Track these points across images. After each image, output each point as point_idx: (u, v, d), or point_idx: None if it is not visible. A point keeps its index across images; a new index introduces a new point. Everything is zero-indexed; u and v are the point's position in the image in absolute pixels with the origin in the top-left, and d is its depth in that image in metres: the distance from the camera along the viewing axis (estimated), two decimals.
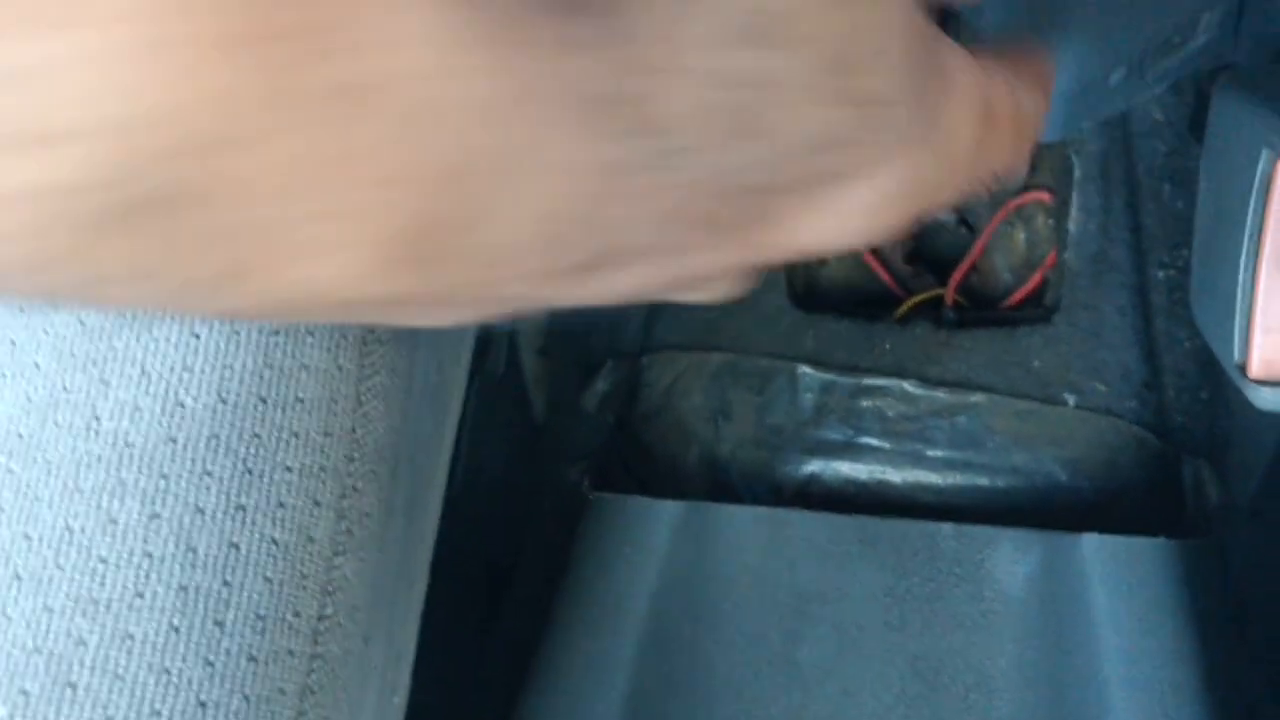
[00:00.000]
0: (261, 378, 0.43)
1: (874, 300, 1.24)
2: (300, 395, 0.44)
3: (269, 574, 0.43)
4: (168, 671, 0.40)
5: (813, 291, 1.25)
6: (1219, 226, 0.80)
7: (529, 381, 1.24)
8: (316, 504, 0.45)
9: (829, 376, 1.14)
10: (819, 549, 1.03)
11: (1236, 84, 0.79)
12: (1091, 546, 0.98)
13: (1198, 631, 0.96)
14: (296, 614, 0.44)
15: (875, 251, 1.25)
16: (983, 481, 1.12)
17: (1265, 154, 0.71)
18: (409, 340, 0.57)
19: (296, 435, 0.44)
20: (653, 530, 1.02)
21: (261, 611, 0.42)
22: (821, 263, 1.26)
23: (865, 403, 1.14)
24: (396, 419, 0.53)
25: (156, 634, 0.40)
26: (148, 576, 0.41)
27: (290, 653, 0.43)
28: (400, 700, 0.60)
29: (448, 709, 1.04)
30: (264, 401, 0.43)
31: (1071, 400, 1.12)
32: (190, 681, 0.40)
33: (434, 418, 0.72)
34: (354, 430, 0.48)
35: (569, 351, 1.24)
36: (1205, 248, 0.83)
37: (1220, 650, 0.97)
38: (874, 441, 1.13)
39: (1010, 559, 1.01)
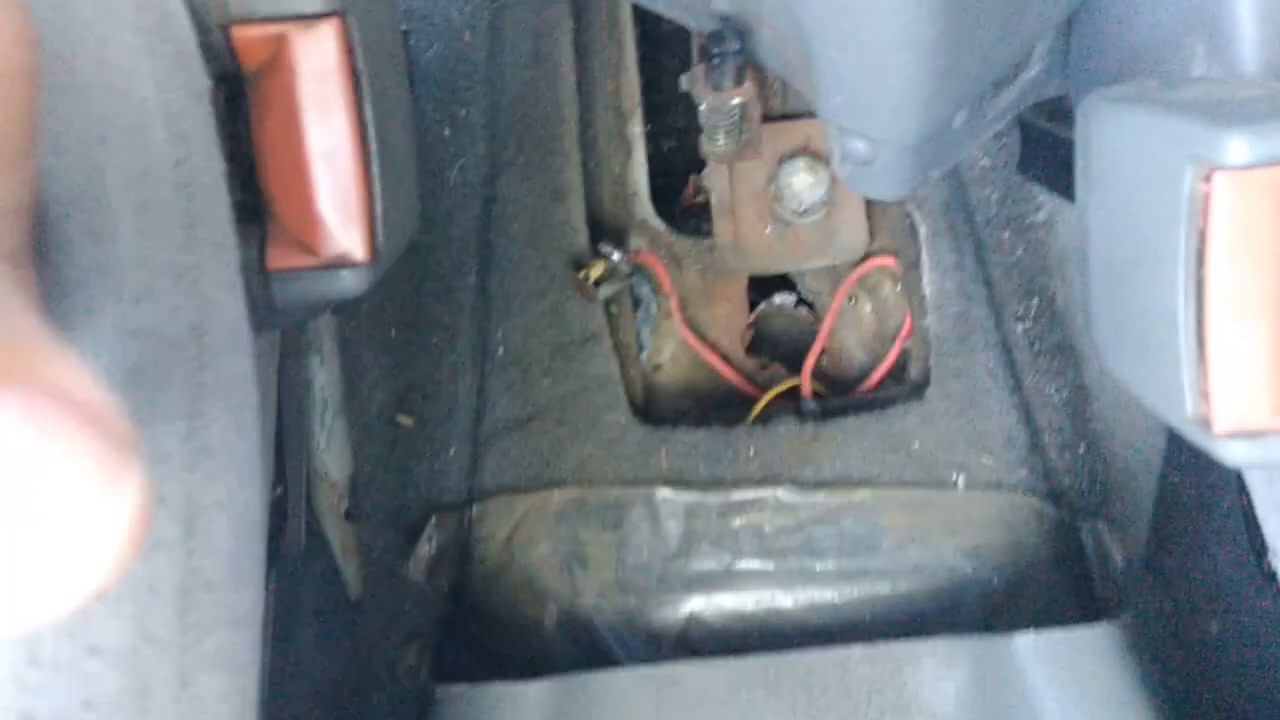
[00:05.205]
0: None
1: (724, 402, 1.10)
2: None
3: None
4: None
5: (652, 404, 1.11)
6: (1130, 265, 0.69)
7: (336, 552, 1.05)
8: None
9: (692, 497, 1.00)
10: (716, 703, 0.87)
11: (1115, 100, 0.69)
12: (1027, 647, 0.85)
13: (1154, 716, 0.84)
14: None
15: (714, 347, 1.12)
16: (883, 589, 0.98)
17: (1189, 169, 0.60)
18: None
19: None
20: None
21: None
22: (655, 366, 1.12)
23: (738, 521, 0.99)
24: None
25: None
26: None
27: None
28: None
29: None
30: None
31: (960, 480, 1.00)
32: None
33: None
34: None
35: (381, 511, 1.06)
36: (1111, 292, 0.72)
37: None
38: (755, 564, 0.99)
39: (935, 675, 0.88)
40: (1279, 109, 0.57)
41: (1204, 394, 0.60)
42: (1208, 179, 0.57)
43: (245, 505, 0.47)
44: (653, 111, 1.18)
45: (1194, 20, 0.74)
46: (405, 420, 1.08)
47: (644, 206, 1.14)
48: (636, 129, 1.14)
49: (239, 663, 0.44)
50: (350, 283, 0.65)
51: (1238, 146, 0.55)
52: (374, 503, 1.07)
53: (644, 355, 1.12)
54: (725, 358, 1.11)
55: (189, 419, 0.45)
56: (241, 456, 0.48)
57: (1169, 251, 0.60)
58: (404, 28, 1.04)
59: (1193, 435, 0.61)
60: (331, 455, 1.06)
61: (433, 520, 1.03)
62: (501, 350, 1.06)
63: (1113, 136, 0.68)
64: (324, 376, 1.05)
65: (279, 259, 0.65)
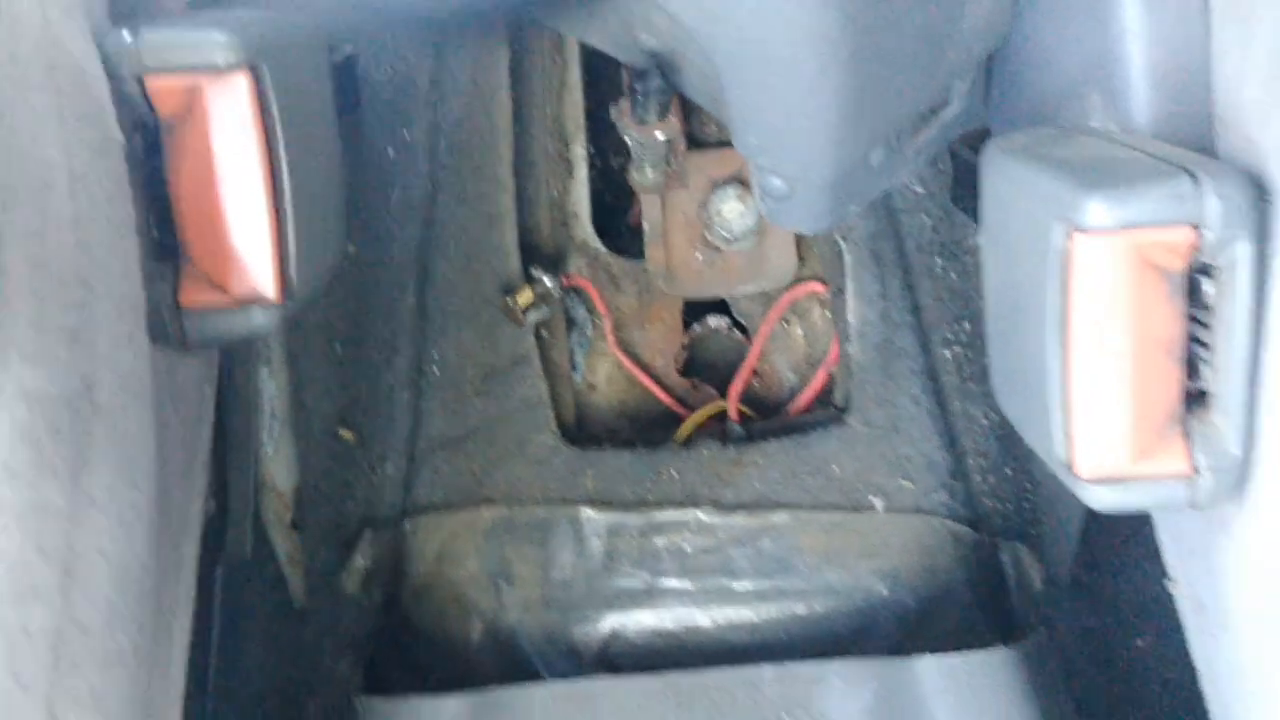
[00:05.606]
0: None
1: (653, 423, 1.13)
2: None
3: None
4: None
5: (585, 424, 1.13)
6: (1014, 311, 0.72)
7: (282, 560, 1.07)
8: None
9: (615, 517, 1.02)
10: (630, 719, 0.90)
11: (1007, 151, 0.72)
12: (927, 670, 0.88)
13: None
14: None
15: (647, 368, 1.14)
16: (799, 609, 1.01)
17: (1056, 228, 0.63)
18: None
19: None
20: None
21: None
22: (591, 386, 1.15)
23: (659, 540, 1.02)
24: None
25: None
26: None
27: None
28: None
29: None
30: None
31: (879, 504, 1.03)
32: None
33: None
34: None
35: (323, 522, 1.08)
36: (1002, 334, 0.75)
37: None
38: (675, 583, 1.02)
39: (842, 695, 0.91)
40: (1146, 173, 0.60)
41: (1070, 439, 0.63)
42: (1071, 238, 0.59)
43: (129, 550, 0.50)
44: (603, 129, 1.19)
45: (1092, 73, 0.76)
46: (346, 434, 1.10)
47: (584, 228, 1.16)
48: (580, 150, 1.16)
49: (112, 701, 0.47)
50: (261, 320, 0.67)
51: (1097, 210, 0.57)
52: (317, 514, 1.09)
53: (578, 376, 1.15)
54: (658, 379, 1.14)
55: (74, 471, 0.47)
56: (129, 505, 0.50)
57: (1040, 303, 0.63)
58: (351, 50, 1.05)
59: (1064, 478, 0.64)
60: (278, 465, 1.08)
61: (367, 534, 1.06)
62: (437, 370, 1.08)
63: (1002, 186, 0.71)
64: (273, 387, 1.08)
65: (192, 295, 0.67)
